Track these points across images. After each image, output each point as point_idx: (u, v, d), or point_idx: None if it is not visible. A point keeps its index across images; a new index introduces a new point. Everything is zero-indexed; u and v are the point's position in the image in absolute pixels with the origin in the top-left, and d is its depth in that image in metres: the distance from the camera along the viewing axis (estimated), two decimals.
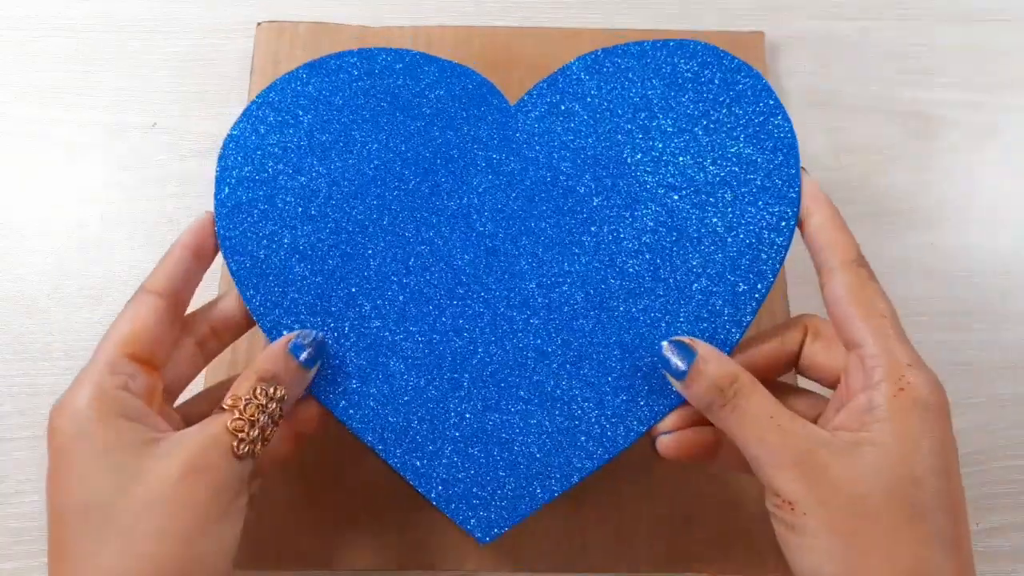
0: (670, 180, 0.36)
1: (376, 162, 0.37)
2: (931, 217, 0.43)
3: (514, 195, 0.37)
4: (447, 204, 0.37)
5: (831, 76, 0.45)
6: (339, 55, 0.39)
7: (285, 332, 0.33)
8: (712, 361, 0.30)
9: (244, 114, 0.38)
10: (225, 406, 0.28)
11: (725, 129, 0.36)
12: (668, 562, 0.35)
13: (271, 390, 0.29)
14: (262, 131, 0.37)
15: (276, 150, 0.37)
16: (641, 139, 0.37)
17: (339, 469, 0.36)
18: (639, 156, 0.37)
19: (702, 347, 0.30)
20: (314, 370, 0.32)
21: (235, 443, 0.27)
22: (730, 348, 0.33)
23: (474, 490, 0.33)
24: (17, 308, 0.40)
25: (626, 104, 0.38)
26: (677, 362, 0.30)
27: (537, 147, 0.38)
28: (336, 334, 0.35)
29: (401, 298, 0.35)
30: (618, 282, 0.35)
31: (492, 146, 0.38)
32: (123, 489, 0.25)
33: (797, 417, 0.27)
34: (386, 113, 0.38)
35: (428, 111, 0.38)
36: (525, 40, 0.44)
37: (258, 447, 0.28)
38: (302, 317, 0.34)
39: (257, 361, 0.30)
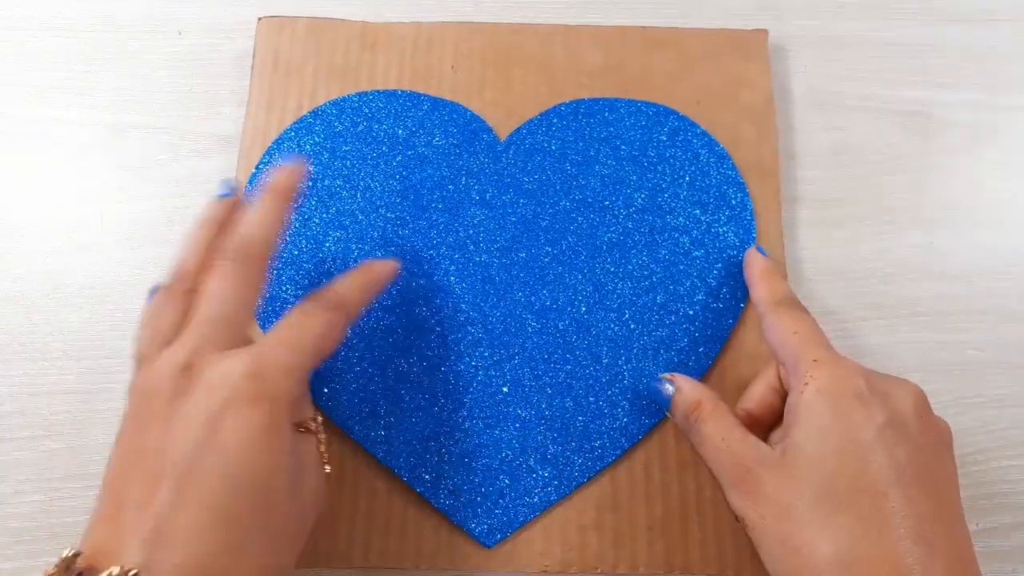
0: (641, 232, 0.40)
1: (377, 203, 0.40)
2: (931, 217, 0.43)
3: (506, 226, 0.40)
4: (445, 238, 0.40)
5: (831, 76, 0.45)
6: (338, 102, 0.42)
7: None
8: (683, 390, 0.33)
9: (257, 170, 0.41)
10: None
11: (688, 197, 0.41)
12: (667, 563, 0.35)
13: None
14: None
15: None
16: (617, 187, 0.41)
17: (340, 469, 0.36)
18: (619, 202, 0.41)
19: (678, 379, 0.34)
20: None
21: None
22: (700, 373, 0.38)
23: (478, 499, 0.36)
24: (17, 308, 0.40)
25: (607, 153, 0.42)
26: (663, 393, 0.34)
27: (525, 181, 0.41)
28: (349, 363, 0.37)
29: (406, 328, 0.38)
30: (603, 312, 0.39)
31: (484, 180, 0.40)
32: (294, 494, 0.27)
33: (748, 436, 0.30)
34: (384, 156, 0.41)
35: (423, 150, 0.41)
36: (525, 37, 0.44)
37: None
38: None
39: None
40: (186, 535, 0.24)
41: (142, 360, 0.30)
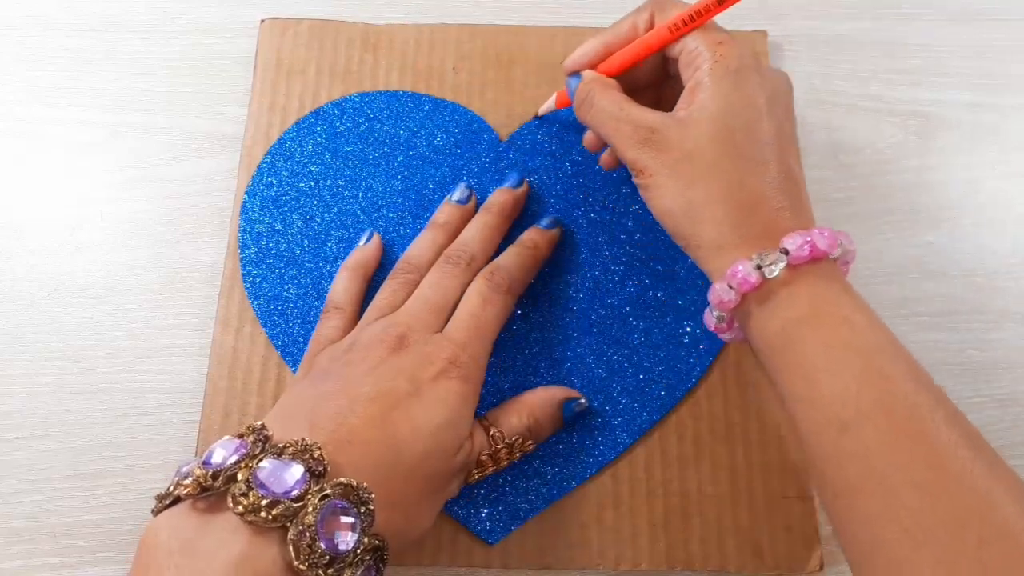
0: (642, 230, 0.40)
1: (379, 203, 0.40)
2: (931, 217, 0.43)
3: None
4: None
5: (831, 76, 0.45)
6: (340, 102, 0.42)
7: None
8: (582, 78, 0.35)
9: (259, 169, 0.41)
10: (484, 456, 0.33)
11: None
12: (668, 560, 0.35)
13: (524, 444, 0.35)
14: (275, 184, 0.41)
15: (290, 201, 0.40)
16: (618, 186, 0.41)
17: None
18: (619, 201, 0.41)
19: (584, 72, 0.35)
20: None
21: (476, 474, 0.33)
22: (702, 369, 0.38)
23: (480, 496, 0.36)
24: (17, 308, 0.40)
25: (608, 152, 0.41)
26: (571, 89, 0.36)
27: (527, 180, 0.41)
28: None
29: None
30: (604, 310, 0.39)
31: (485, 180, 0.40)
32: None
33: (644, 108, 0.32)
34: (386, 157, 0.42)
35: (425, 151, 0.41)
36: (527, 38, 0.44)
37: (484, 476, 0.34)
38: None
39: (526, 410, 0.35)
40: (366, 448, 0.28)
41: (362, 322, 0.34)
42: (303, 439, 0.26)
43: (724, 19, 0.46)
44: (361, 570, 0.25)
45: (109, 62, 0.45)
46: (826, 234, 0.29)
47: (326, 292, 0.38)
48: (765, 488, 0.36)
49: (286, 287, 0.39)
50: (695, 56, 0.32)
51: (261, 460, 0.25)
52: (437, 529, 0.35)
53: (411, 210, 0.40)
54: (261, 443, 0.26)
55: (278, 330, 0.38)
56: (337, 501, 0.25)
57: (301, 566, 0.24)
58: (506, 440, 0.33)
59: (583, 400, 0.36)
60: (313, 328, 0.37)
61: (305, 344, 0.37)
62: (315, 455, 0.26)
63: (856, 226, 0.42)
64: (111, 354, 0.39)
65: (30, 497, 0.36)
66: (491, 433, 0.33)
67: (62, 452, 0.37)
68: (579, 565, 0.35)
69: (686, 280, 0.39)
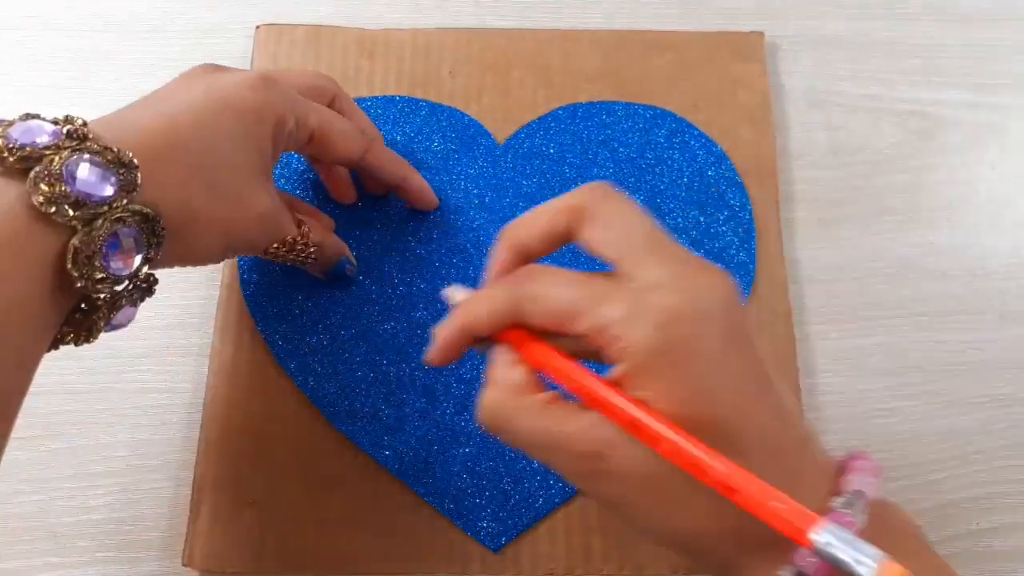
0: None
1: (378, 209, 0.40)
2: (931, 217, 0.43)
3: None
4: (445, 242, 0.40)
5: (831, 76, 0.45)
6: None
7: (310, 378, 0.37)
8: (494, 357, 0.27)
9: None
10: (289, 237, 0.33)
11: (686, 198, 0.41)
12: (671, 565, 0.35)
13: (312, 252, 0.35)
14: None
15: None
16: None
17: (342, 473, 0.36)
18: None
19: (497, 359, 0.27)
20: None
21: (274, 247, 0.33)
22: None
23: (482, 503, 0.35)
24: None
25: (605, 155, 0.42)
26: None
27: (524, 184, 0.41)
28: (351, 368, 0.37)
29: (407, 332, 0.38)
30: None
31: (483, 184, 0.40)
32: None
33: (580, 411, 0.24)
34: None
35: (422, 155, 0.41)
36: (524, 42, 0.44)
37: (273, 258, 0.34)
38: (321, 357, 0.37)
39: (322, 233, 0.36)
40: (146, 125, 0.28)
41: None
42: (126, 152, 0.25)
43: (724, 18, 0.46)
44: (125, 231, 0.25)
45: (109, 62, 0.45)
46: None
47: (323, 297, 0.38)
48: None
49: (283, 294, 0.38)
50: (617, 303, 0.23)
51: (77, 152, 0.24)
52: (439, 535, 0.35)
53: (412, 215, 0.40)
54: (78, 137, 0.25)
55: (276, 336, 0.38)
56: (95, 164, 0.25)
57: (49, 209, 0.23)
58: (307, 240, 0.34)
59: (351, 268, 0.38)
60: (311, 332, 0.37)
61: (304, 348, 0.37)
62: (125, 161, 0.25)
63: (856, 226, 0.42)
64: (111, 354, 0.39)
65: (30, 497, 0.37)
66: (301, 227, 0.34)
67: (62, 452, 0.37)
68: (583, 571, 0.35)
69: None
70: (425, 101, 0.42)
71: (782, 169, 0.42)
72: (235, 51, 0.45)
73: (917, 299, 0.41)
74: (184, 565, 0.35)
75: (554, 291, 0.25)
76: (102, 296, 0.25)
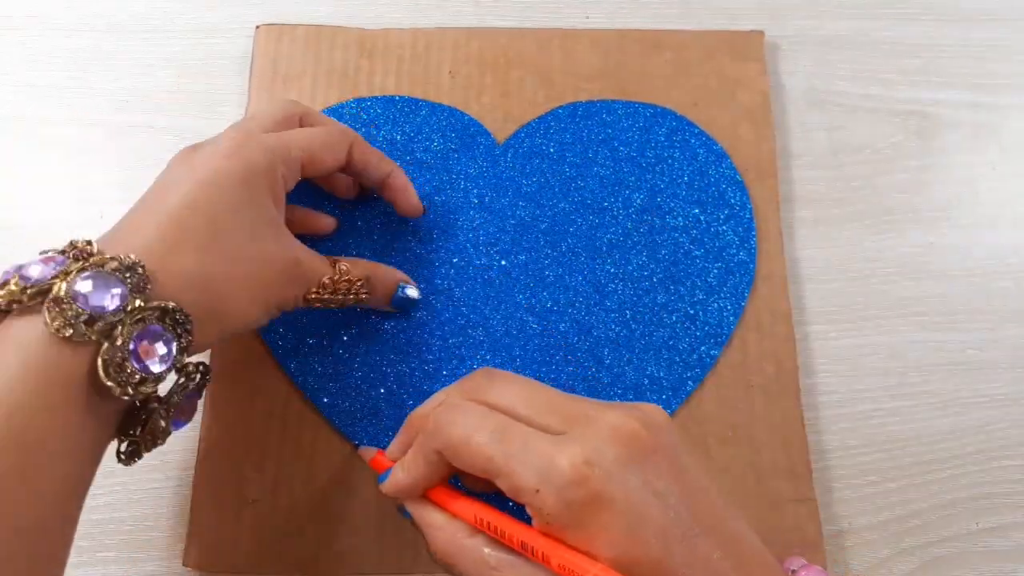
0: (641, 233, 0.40)
1: (378, 209, 0.40)
2: (931, 217, 0.43)
3: (505, 230, 0.40)
4: (444, 242, 0.40)
5: (831, 76, 0.45)
6: (337, 107, 0.41)
7: (310, 378, 0.37)
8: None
9: None
10: (327, 279, 0.33)
11: (687, 197, 0.41)
12: None
13: (360, 288, 0.34)
14: None
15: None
16: (616, 189, 0.41)
17: (342, 474, 0.36)
18: (617, 203, 0.41)
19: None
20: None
21: (314, 291, 0.33)
22: (702, 373, 0.38)
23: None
24: None
25: (605, 154, 0.42)
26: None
27: (524, 184, 0.41)
28: (351, 368, 0.37)
29: (407, 332, 0.38)
30: (603, 314, 0.39)
31: (483, 184, 0.40)
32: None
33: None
34: None
35: (422, 155, 0.41)
36: (524, 41, 0.44)
37: (321, 303, 0.34)
38: (321, 357, 0.37)
39: (369, 266, 0.35)
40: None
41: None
42: (127, 256, 0.26)
43: (723, 17, 0.46)
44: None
45: (109, 62, 0.45)
46: None
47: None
48: (767, 491, 0.36)
49: None
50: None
51: (81, 272, 0.25)
52: None
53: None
54: (83, 258, 0.26)
55: (276, 336, 0.38)
56: (153, 326, 0.26)
57: (109, 383, 0.25)
58: (349, 277, 0.34)
59: (413, 291, 0.37)
60: (311, 332, 0.37)
61: (304, 348, 0.37)
62: (138, 271, 0.26)
63: (856, 226, 0.42)
64: None
65: None
66: (337, 265, 0.34)
67: None
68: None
69: (685, 284, 0.39)
70: (425, 101, 0.42)
71: (782, 169, 0.42)
72: (235, 51, 0.45)
73: (917, 299, 0.41)
74: (184, 565, 0.35)
75: (474, 443, 0.26)
76: (149, 395, 0.27)
